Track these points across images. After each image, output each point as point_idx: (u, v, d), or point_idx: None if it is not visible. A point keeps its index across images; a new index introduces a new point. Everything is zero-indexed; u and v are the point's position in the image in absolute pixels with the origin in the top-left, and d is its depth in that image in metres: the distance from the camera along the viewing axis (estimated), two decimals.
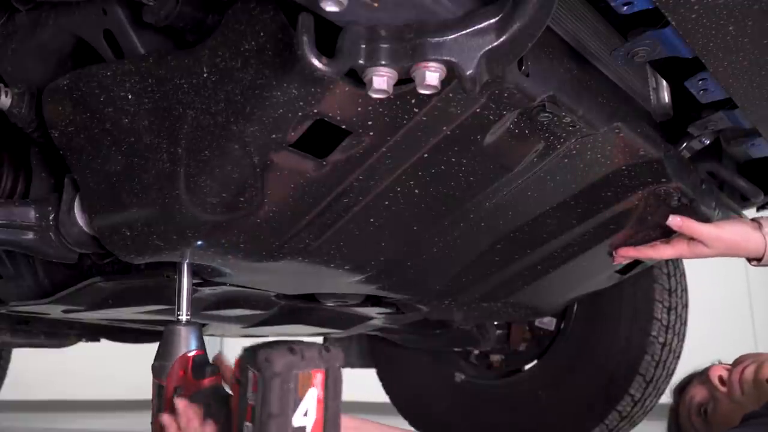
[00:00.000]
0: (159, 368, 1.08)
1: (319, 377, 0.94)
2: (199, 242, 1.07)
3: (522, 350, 2.45)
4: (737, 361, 1.47)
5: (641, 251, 1.48)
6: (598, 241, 1.51)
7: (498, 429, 2.43)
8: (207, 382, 1.05)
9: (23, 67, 1.20)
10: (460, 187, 1.16)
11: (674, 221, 1.39)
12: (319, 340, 2.69)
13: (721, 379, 1.45)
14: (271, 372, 0.90)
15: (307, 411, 0.93)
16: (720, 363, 1.50)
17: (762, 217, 1.42)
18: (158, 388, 1.07)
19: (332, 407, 0.96)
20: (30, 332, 2.27)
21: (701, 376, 1.53)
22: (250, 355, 0.93)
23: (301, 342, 0.96)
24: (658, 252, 1.46)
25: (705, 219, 1.48)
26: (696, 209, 1.44)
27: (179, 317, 1.11)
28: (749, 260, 1.42)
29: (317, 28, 0.75)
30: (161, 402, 1.05)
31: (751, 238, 1.38)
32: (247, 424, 0.91)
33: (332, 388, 0.96)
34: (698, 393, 1.51)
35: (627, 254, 1.50)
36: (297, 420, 0.91)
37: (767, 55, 1.00)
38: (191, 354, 1.07)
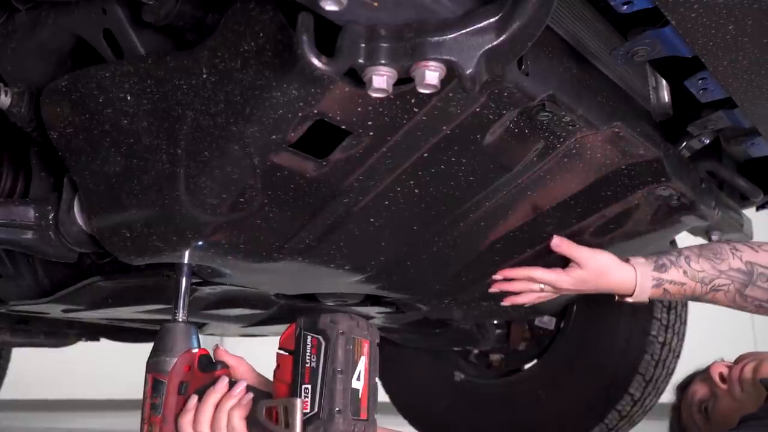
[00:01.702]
0: (156, 364, 1.07)
1: (366, 347, 1.01)
2: (199, 243, 1.07)
3: (522, 349, 2.44)
4: (738, 359, 1.47)
5: (519, 272, 1.41)
6: (597, 240, 1.51)
7: (498, 428, 2.43)
8: (218, 374, 1.05)
9: (23, 66, 1.20)
10: (460, 187, 1.16)
11: (553, 241, 1.37)
12: None
13: (721, 376, 1.45)
14: (337, 331, 0.96)
15: (360, 375, 0.99)
16: (722, 361, 1.50)
17: (632, 258, 1.40)
18: (156, 383, 1.06)
19: (373, 379, 1.02)
20: (30, 331, 2.27)
21: (703, 374, 1.53)
22: (308, 322, 0.99)
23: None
24: (535, 274, 1.39)
25: (704, 218, 1.48)
26: (695, 208, 1.44)
27: (176, 317, 1.10)
28: (620, 297, 1.40)
29: (316, 28, 0.75)
30: (160, 396, 1.05)
31: (620, 268, 1.36)
32: (306, 386, 0.96)
33: (374, 360, 1.02)
34: (699, 390, 1.51)
35: (504, 275, 1.42)
36: (353, 382, 0.97)
37: (767, 55, 1.00)
38: (195, 351, 1.07)
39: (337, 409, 0.94)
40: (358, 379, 0.98)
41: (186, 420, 1.02)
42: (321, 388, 0.95)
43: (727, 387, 1.44)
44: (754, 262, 1.35)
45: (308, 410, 0.95)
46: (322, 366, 0.96)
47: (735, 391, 1.42)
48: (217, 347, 1.10)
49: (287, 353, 1.00)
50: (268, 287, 1.52)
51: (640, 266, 1.36)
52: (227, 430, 1.00)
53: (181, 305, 1.11)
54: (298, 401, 0.95)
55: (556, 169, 1.22)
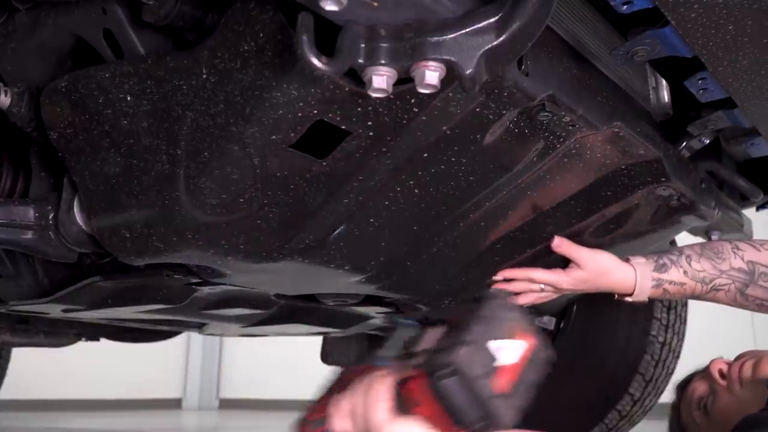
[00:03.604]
0: None
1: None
2: (199, 243, 1.07)
3: None
4: (738, 357, 1.48)
5: (519, 273, 1.43)
6: (598, 240, 1.51)
7: None
8: None
9: (23, 66, 1.20)
10: (460, 187, 1.16)
11: (554, 242, 1.38)
12: (319, 339, 2.69)
13: (721, 372, 1.46)
14: None
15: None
16: (722, 358, 1.50)
17: (632, 258, 1.40)
18: None
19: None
20: (30, 331, 2.27)
21: (703, 372, 1.54)
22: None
23: None
24: (535, 274, 1.41)
25: (704, 218, 1.48)
26: (695, 208, 1.44)
27: None
28: (619, 297, 1.40)
29: (316, 28, 0.75)
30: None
31: (620, 268, 1.37)
32: None
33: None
34: (699, 387, 1.52)
35: (505, 276, 1.45)
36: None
37: (767, 55, 1.01)
38: None
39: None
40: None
41: None
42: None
43: (727, 384, 1.44)
44: (756, 261, 1.35)
45: None
46: None
47: (734, 388, 1.42)
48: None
49: None
50: (268, 287, 1.52)
51: (640, 266, 1.36)
52: None
53: None
54: None
55: (556, 169, 1.22)
